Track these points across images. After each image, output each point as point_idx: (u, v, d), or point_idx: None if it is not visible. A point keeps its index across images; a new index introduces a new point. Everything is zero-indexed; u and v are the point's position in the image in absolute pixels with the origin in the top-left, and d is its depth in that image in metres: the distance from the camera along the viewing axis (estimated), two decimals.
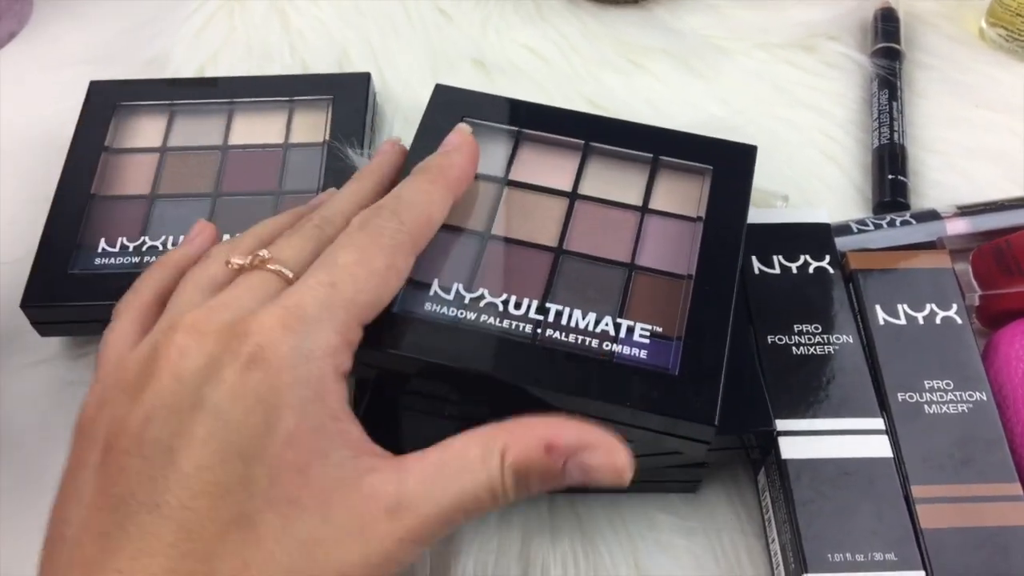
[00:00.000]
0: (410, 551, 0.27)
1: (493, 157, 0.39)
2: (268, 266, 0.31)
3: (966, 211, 0.45)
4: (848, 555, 0.34)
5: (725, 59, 0.55)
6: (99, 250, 0.42)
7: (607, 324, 0.35)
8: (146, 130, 0.47)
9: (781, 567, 0.36)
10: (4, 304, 0.44)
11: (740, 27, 0.56)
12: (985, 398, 0.37)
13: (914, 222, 0.44)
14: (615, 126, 0.41)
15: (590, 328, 0.34)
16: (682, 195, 0.39)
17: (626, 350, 0.34)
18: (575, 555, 0.37)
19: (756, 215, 0.42)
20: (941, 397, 0.37)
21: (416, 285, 0.35)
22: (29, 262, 0.42)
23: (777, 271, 0.40)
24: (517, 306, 0.35)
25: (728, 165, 0.39)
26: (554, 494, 0.39)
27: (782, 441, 0.36)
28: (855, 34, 0.56)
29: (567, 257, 0.37)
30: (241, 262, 0.32)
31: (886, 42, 0.54)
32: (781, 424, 0.36)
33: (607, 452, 0.28)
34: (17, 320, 0.41)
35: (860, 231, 0.44)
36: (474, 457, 0.27)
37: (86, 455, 0.28)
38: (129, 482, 0.26)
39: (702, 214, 0.38)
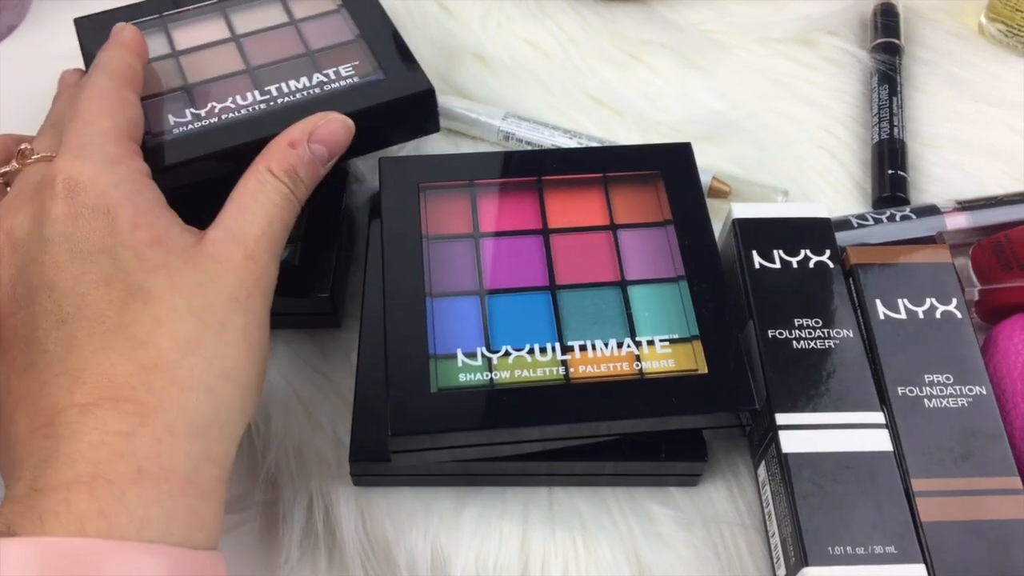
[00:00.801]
0: (261, 264, 0.34)
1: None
2: (32, 156, 0.35)
3: (966, 206, 0.45)
4: (848, 548, 0.34)
5: (724, 53, 0.55)
6: None
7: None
8: None
9: (781, 560, 0.36)
10: None
11: (739, 21, 0.56)
12: (985, 392, 0.37)
13: (914, 217, 0.45)
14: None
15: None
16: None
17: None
18: (576, 549, 0.37)
19: (756, 209, 0.42)
20: (941, 391, 0.37)
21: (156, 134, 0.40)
22: None
23: (777, 265, 0.40)
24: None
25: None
26: (554, 487, 0.39)
27: (783, 435, 0.36)
28: (854, 29, 0.56)
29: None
30: (7, 168, 0.36)
31: (886, 37, 0.54)
32: (781, 418, 0.36)
33: (324, 119, 0.38)
34: None
35: (860, 226, 0.44)
36: (254, 185, 0.35)
37: None
38: (27, 326, 0.30)
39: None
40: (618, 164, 0.42)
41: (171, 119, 0.41)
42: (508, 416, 0.35)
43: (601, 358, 0.36)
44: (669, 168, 0.42)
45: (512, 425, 0.35)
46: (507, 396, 0.35)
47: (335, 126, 0.38)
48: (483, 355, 0.36)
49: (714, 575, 0.37)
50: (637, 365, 0.36)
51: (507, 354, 0.36)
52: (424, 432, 0.34)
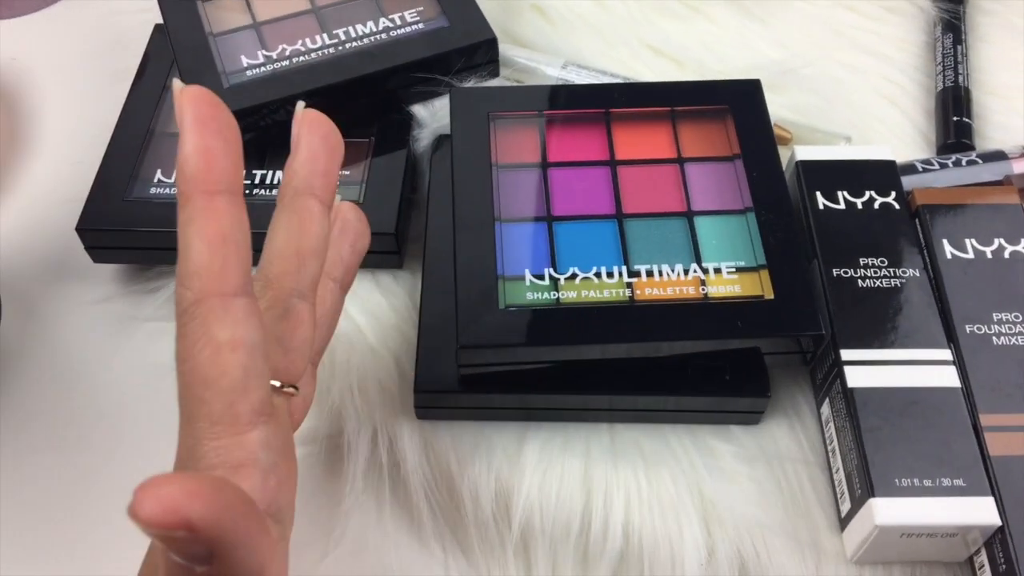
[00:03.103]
0: None
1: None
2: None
3: None
4: (916, 480, 0.33)
5: (784, 4, 0.54)
6: (155, 180, 0.43)
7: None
8: None
9: (846, 495, 0.36)
10: (62, 235, 0.45)
11: None
12: None
13: (980, 162, 0.44)
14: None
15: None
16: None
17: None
18: (638, 482, 0.37)
19: (820, 152, 0.42)
20: (1010, 329, 0.37)
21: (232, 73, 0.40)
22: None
23: (842, 206, 0.40)
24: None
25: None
26: (615, 424, 0.39)
27: (848, 370, 0.36)
28: None
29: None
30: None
31: None
32: (847, 354, 0.36)
33: None
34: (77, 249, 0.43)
35: (925, 170, 0.44)
36: None
37: None
38: None
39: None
40: (686, 99, 0.42)
41: (244, 60, 0.42)
42: (573, 332, 0.35)
43: (667, 282, 0.36)
44: (738, 104, 0.42)
45: (577, 342, 0.35)
46: (573, 314, 0.35)
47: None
48: (550, 276, 0.36)
49: (778, 510, 0.37)
50: (703, 289, 0.36)
51: (573, 276, 0.36)
52: (492, 346, 0.35)
